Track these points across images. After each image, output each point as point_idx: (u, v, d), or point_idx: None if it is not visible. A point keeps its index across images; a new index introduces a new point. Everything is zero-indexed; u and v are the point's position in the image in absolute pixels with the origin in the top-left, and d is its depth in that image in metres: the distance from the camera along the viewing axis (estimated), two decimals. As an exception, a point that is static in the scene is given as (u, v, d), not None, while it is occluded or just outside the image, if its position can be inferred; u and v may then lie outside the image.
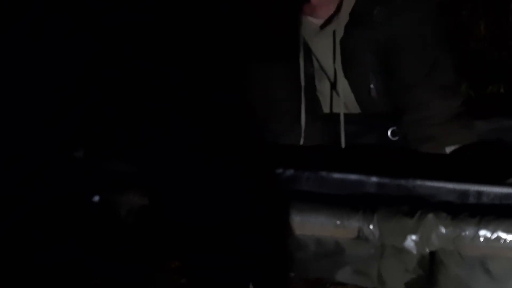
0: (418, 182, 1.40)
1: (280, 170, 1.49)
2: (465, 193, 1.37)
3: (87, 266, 1.54)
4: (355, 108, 1.84)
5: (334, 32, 1.78)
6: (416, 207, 1.32)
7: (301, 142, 1.82)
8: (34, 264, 1.54)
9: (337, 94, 1.84)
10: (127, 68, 1.76)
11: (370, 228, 1.33)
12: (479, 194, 1.36)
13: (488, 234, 1.26)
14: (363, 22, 1.74)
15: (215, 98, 1.65)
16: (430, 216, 1.29)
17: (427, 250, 1.31)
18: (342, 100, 1.80)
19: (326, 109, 1.90)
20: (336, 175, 1.46)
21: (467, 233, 1.27)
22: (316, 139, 1.81)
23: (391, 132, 1.76)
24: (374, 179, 1.43)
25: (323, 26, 1.81)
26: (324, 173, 1.47)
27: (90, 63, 1.98)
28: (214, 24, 1.74)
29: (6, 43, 2.04)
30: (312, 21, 1.81)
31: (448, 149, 1.70)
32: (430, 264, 1.33)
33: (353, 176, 1.45)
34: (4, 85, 1.94)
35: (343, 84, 1.81)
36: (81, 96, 1.86)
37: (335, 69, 1.81)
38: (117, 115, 1.71)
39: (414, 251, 1.31)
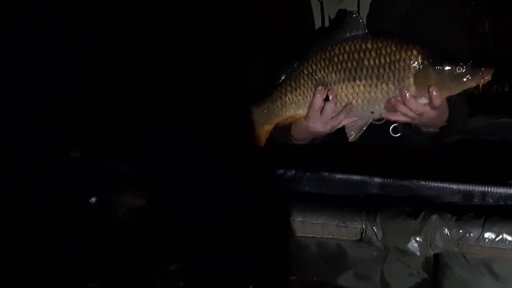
0: (422, 183, 1.38)
1: (281, 170, 1.47)
2: (469, 194, 1.35)
3: (84, 267, 1.53)
4: None
5: (358, 3, 1.65)
6: (419, 208, 1.30)
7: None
8: (32, 265, 1.53)
9: None
10: (126, 68, 1.75)
11: (373, 230, 1.31)
12: (484, 195, 1.35)
13: (493, 236, 1.24)
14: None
15: (215, 98, 1.64)
16: (434, 217, 1.27)
17: (431, 252, 1.29)
18: None
19: None
20: (338, 176, 1.44)
21: (472, 234, 1.25)
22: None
23: (392, 129, 1.72)
24: (377, 179, 1.41)
25: None
26: (325, 174, 1.45)
27: (89, 63, 1.98)
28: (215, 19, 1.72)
29: (6, 43, 2.04)
30: None
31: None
32: (435, 267, 1.31)
33: (355, 177, 1.43)
34: (3, 85, 1.93)
35: None
36: (80, 97, 1.86)
37: None
38: (116, 115, 1.70)
39: (418, 253, 1.29)
